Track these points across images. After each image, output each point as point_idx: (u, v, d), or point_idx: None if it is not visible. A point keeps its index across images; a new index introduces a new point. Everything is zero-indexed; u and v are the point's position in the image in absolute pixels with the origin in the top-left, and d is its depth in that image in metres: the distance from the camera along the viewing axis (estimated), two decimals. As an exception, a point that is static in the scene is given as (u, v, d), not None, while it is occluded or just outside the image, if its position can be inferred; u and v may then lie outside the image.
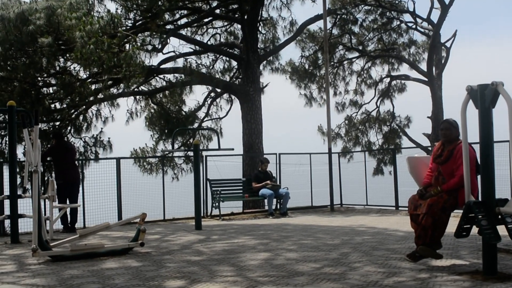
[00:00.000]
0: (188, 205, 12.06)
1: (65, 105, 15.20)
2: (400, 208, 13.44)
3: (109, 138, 16.22)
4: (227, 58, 19.63)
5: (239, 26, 18.52)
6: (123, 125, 18.28)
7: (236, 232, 9.76)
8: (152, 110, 18.50)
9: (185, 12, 17.91)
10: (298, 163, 14.86)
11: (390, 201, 13.77)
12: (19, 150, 12.01)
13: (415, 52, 22.36)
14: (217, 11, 18.23)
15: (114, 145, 16.10)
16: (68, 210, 10.41)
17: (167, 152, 17.70)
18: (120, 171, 11.99)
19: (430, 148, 15.11)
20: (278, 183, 13.89)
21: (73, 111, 15.51)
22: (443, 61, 20.32)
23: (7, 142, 10.96)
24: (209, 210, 13.20)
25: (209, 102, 19.63)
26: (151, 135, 18.52)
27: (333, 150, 15.26)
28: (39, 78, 14.67)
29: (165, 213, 12.48)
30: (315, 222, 11.32)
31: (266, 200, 13.42)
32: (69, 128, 15.59)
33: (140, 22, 15.75)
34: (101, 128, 16.29)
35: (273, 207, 13.17)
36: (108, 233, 9.62)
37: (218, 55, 19.60)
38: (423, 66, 20.87)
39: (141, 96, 18.39)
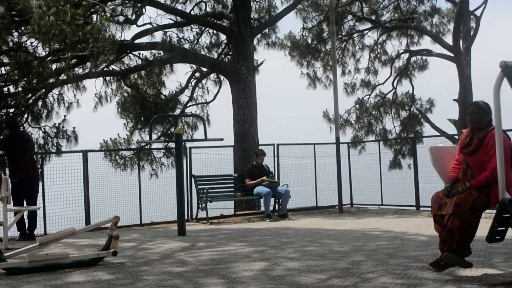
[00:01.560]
0: (169, 207, 12.07)
1: (20, 89, 15.12)
2: (421, 208, 13.49)
3: (74, 127, 16.21)
4: (215, 31, 19.57)
5: (229, -8, 18.47)
6: (90, 112, 18.30)
7: (227, 238, 9.78)
8: (126, 94, 18.45)
9: (164, -25, 17.84)
10: (300, 155, 14.88)
11: (409, 200, 13.83)
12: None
13: (438, 22, 22.41)
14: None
15: (80, 136, 16.11)
16: (25, 214, 10.38)
17: (143, 144, 17.67)
18: (88, 166, 11.96)
19: (456, 137, 15.15)
20: (276, 179, 13.90)
21: (30, 95, 15.43)
22: (472, 33, 20.33)
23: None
24: (194, 212, 13.20)
25: (193, 84, 19.60)
26: (124, 124, 18.52)
27: (342, 140, 15.30)
28: (-12, 56, 14.59)
29: (142, 216, 12.48)
30: (321, 226, 11.36)
31: (262, 200, 13.43)
32: (25, 116, 15.53)
33: (110, -12, 15.66)
34: (64, 116, 16.26)
35: (271, 208, 13.18)
36: (74, 241, 9.60)
37: (203, 28, 19.53)
38: (448, 39, 20.93)
39: (112, 77, 18.32)
